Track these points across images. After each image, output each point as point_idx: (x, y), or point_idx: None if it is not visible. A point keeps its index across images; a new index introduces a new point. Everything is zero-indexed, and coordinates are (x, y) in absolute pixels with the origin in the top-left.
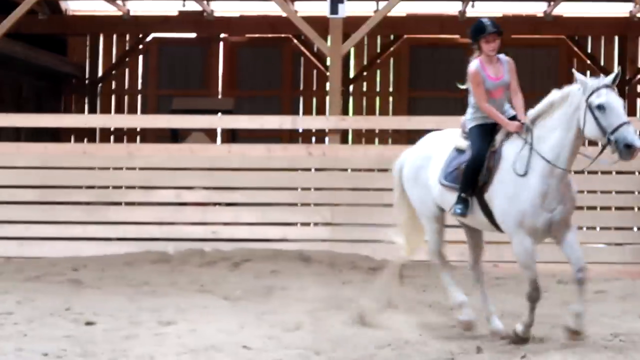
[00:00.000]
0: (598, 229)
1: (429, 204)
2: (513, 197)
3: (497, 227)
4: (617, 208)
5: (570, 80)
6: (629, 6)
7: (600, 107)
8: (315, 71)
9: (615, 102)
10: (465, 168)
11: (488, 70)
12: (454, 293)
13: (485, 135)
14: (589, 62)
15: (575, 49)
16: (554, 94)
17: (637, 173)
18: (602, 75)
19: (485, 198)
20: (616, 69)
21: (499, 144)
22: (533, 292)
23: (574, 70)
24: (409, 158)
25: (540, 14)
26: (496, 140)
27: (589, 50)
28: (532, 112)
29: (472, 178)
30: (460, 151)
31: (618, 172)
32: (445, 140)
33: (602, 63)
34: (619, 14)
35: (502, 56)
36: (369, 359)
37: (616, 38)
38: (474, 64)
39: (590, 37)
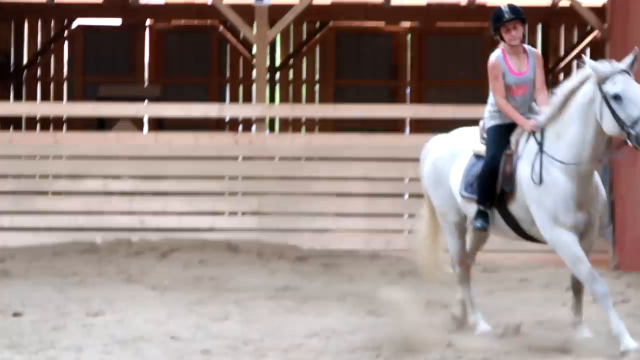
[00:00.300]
0: None
1: (452, 210)
2: (542, 198)
3: (525, 236)
4: None
5: (484, 68)
6: None
7: (617, 97)
8: (241, 59)
9: (632, 89)
10: (479, 176)
11: (510, 62)
12: (475, 315)
13: (502, 137)
14: None
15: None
16: (566, 84)
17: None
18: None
19: (510, 209)
20: (634, 51)
21: (516, 145)
22: (597, 287)
23: (584, 56)
24: (431, 153)
25: (464, 2)
26: (511, 142)
27: None
28: (547, 109)
29: (487, 187)
30: (479, 157)
31: None
32: (472, 140)
33: None
34: (541, 3)
35: (529, 48)
36: (297, 348)
37: (539, 26)
38: (494, 54)
39: None
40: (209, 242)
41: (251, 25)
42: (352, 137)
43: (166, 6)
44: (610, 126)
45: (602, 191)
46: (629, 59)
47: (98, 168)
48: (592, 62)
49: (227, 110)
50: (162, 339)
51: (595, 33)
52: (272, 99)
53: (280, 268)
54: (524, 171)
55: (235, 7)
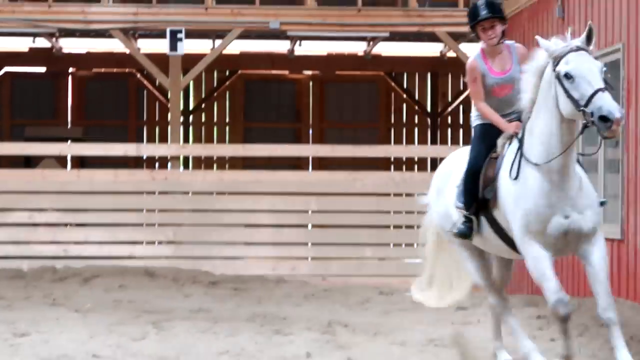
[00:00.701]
0: (416, 245)
1: (449, 226)
2: (515, 201)
3: (515, 247)
4: None
5: (388, 112)
6: (439, 46)
7: (568, 76)
8: (157, 103)
9: (585, 66)
10: (462, 179)
11: (490, 63)
12: (524, 341)
13: (486, 137)
14: (405, 95)
15: (393, 84)
16: (528, 69)
17: None
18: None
19: (495, 215)
20: (588, 24)
21: (501, 148)
22: (559, 307)
23: (537, 37)
24: (437, 174)
25: (361, 53)
26: (498, 145)
27: (405, 86)
28: (523, 102)
29: (469, 190)
30: None
31: (408, 195)
32: (466, 156)
33: (416, 97)
34: (430, 53)
35: (511, 43)
36: None
37: (429, 74)
38: (472, 56)
39: (405, 74)
40: (128, 268)
41: (166, 72)
42: (259, 174)
43: (87, 55)
44: (565, 108)
45: (591, 192)
46: (583, 35)
47: (25, 202)
48: (545, 41)
49: (145, 149)
50: (85, 357)
51: None
52: (186, 140)
53: (194, 292)
54: (503, 174)
55: (151, 57)
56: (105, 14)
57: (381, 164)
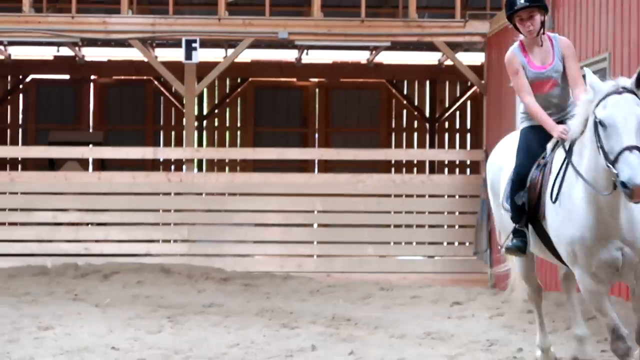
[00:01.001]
0: (414, 243)
1: (507, 226)
2: (562, 223)
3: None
4: (430, 226)
5: (389, 117)
6: (437, 55)
7: (602, 124)
8: (173, 108)
9: (621, 114)
10: (509, 186)
11: (530, 55)
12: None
13: (533, 142)
14: (405, 102)
15: (394, 91)
16: (585, 97)
17: (445, 197)
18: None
19: (544, 226)
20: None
21: (550, 153)
22: (618, 344)
23: (585, 69)
24: (489, 164)
25: (364, 62)
26: (547, 149)
27: (405, 92)
28: (573, 120)
29: (515, 199)
30: None
31: (430, 196)
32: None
33: (416, 103)
34: (429, 61)
35: (553, 36)
36: (221, 357)
37: (427, 82)
38: (510, 48)
39: (406, 81)
40: (145, 265)
41: (181, 80)
42: (268, 176)
43: (108, 63)
44: (601, 157)
45: None
46: (634, 76)
47: (48, 202)
48: (593, 78)
49: (161, 153)
50: (104, 350)
51: (474, 88)
52: (200, 143)
53: (206, 288)
54: (549, 185)
55: (168, 65)
56: (124, 25)
57: (382, 166)
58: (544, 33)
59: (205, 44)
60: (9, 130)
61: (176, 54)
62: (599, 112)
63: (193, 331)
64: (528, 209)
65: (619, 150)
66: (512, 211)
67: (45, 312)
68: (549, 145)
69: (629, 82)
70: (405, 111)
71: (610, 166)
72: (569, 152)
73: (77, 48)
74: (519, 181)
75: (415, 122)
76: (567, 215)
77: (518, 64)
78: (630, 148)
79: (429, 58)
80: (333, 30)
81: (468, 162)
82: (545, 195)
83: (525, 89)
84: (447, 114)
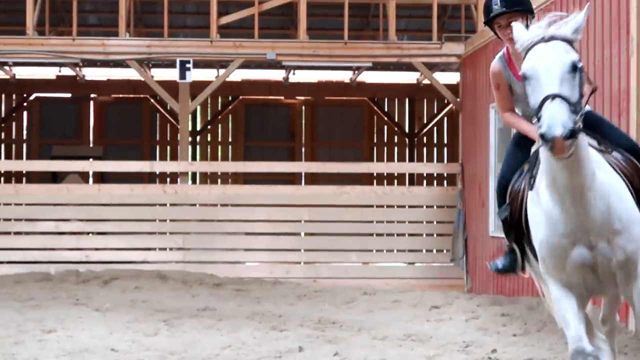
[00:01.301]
0: (395, 251)
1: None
2: (531, 228)
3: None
4: (410, 235)
5: (371, 133)
6: (416, 75)
7: (525, 77)
8: (168, 125)
9: (543, 63)
10: (495, 196)
11: (517, 65)
12: None
13: (520, 146)
14: (386, 118)
15: (375, 108)
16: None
17: (424, 207)
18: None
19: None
20: (586, 6)
21: (533, 158)
22: (573, 358)
23: (513, 23)
24: None
25: (347, 81)
26: (531, 155)
27: (386, 109)
28: None
29: (498, 214)
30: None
31: (410, 206)
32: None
33: (396, 119)
34: (408, 81)
35: None
36: (214, 358)
37: (407, 100)
38: (496, 58)
39: (386, 99)
40: (143, 272)
41: (176, 98)
42: (258, 188)
43: (107, 82)
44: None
45: (626, 211)
46: (568, 19)
47: (51, 213)
48: (519, 28)
49: (157, 166)
50: (104, 351)
51: (451, 105)
52: (193, 157)
53: (200, 293)
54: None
55: (163, 84)
56: (122, 46)
57: (365, 179)
58: None
59: (198, 64)
60: (14, 145)
61: (171, 74)
62: (524, 66)
63: (188, 333)
64: (512, 223)
65: (540, 101)
66: (503, 226)
67: (49, 316)
68: (534, 148)
69: (555, 27)
70: (386, 127)
71: (535, 121)
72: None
73: (77, 68)
74: (499, 193)
75: (396, 137)
76: (535, 215)
77: (499, 79)
78: (551, 97)
79: (408, 77)
80: (318, 51)
81: (445, 175)
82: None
83: (503, 104)
84: (425, 130)
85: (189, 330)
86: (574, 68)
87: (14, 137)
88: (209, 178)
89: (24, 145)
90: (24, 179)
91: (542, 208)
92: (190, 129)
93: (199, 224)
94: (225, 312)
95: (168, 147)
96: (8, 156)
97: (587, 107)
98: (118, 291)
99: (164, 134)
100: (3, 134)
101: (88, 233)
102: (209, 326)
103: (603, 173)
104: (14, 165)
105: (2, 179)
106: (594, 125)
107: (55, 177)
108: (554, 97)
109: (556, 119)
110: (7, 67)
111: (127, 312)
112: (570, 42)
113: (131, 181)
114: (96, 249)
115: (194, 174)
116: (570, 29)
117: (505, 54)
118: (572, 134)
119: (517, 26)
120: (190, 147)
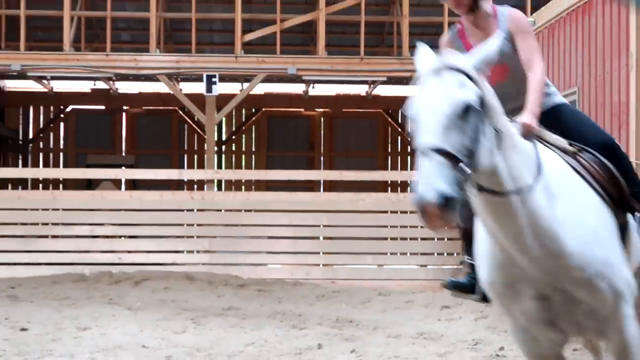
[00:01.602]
0: (408, 254)
1: None
2: (475, 258)
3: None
4: (422, 238)
5: (386, 143)
6: None
7: (412, 119)
8: (196, 135)
9: (427, 104)
10: None
11: (471, 38)
12: None
13: None
14: (399, 129)
15: (390, 120)
16: None
17: None
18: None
19: None
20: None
21: None
22: None
23: (418, 43)
24: None
25: (364, 94)
26: None
27: (400, 121)
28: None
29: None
30: None
31: (402, 212)
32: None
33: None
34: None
35: (502, 10)
36: (238, 354)
37: None
38: (446, 32)
39: (400, 111)
40: (171, 273)
41: (203, 110)
42: (279, 195)
43: (139, 95)
44: None
45: (581, 231)
46: (482, 48)
47: (86, 218)
48: (423, 51)
49: (185, 174)
50: (135, 348)
51: None
52: (219, 166)
53: (225, 293)
54: None
55: (191, 97)
56: (153, 62)
57: (380, 186)
58: (481, 10)
59: (223, 78)
60: (51, 154)
61: (198, 88)
62: (410, 103)
63: (213, 331)
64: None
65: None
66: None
67: (84, 314)
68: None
69: (435, 63)
70: (399, 137)
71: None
72: None
73: (111, 82)
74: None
75: (409, 147)
76: (477, 242)
77: (447, 50)
78: (427, 151)
79: None
80: (336, 66)
81: None
82: None
83: None
84: None
85: (214, 328)
86: (467, 110)
87: (51, 146)
88: (234, 185)
89: (61, 154)
90: (60, 186)
91: (481, 240)
92: (216, 139)
93: (224, 228)
94: (249, 311)
95: (195, 156)
96: (46, 164)
97: (561, 100)
98: (148, 291)
99: (191, 143)
100: (41, 144)
101: (120, 236)
102: (234, 324)
103: (562, 204)
104: (51, 173)
105: (41, 185)
106: (566, 120)
107: (90, 184)
108: (430, 151)
109: (429, 181)
110: (45, 81)
111: (156, 310)
112: (470, 74)
113: (161, 188)
114: (128, 252)
115: (219, 182)
116: (476, 58)
117: (460, 27)
118: (447, 203)
119: (423, 48)
120: (216, 156)
